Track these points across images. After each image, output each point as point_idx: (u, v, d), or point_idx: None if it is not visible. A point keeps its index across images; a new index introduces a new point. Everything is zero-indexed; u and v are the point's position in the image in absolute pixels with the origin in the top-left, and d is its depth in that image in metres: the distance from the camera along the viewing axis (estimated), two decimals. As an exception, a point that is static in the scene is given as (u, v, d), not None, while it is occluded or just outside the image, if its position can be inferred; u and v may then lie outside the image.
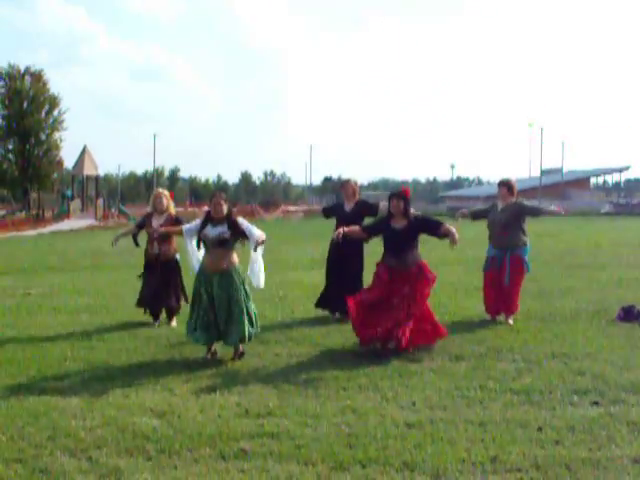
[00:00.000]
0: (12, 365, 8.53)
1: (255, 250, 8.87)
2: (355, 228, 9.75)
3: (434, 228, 9.22)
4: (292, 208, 11.54)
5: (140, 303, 11.34)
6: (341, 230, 9.59)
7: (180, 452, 5.75)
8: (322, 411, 6.68)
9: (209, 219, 8.79)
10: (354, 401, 6.99)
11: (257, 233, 8.75)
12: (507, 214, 10.81)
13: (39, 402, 7.05)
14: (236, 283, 8.75)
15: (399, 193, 9.24)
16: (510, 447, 5.75)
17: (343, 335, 10.02)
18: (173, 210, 11.28)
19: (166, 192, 11.39)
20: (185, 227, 9.34)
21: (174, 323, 11.05)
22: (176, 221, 10.83)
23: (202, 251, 9.13)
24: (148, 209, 11.57)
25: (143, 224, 11.30)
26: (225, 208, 8.75)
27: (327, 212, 12.24)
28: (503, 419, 6.41)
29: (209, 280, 8.70)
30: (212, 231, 8.69)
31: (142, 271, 11.41)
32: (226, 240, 8.68)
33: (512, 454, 5.61)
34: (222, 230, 8.67)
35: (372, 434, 6.07)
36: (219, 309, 8.67)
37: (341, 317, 11.23)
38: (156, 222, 11.10)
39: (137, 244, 11.49)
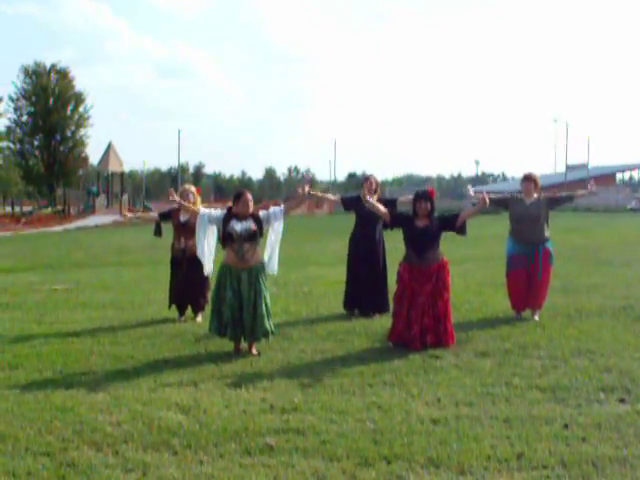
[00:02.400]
0: (39, 360, 8.59)
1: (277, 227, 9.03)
2: (383, 208, 9.62)
3: (452, 220, 9.25)
4: (319, 193, 11.65)
5: (171, 301, 11.40)
6: (370, 199, 9.56)
7: (206, 447, 5.76)
8: (347, 407, 6.68)
9: (233, 215, 8.81)
10: (379, 397, 6.99)
11: (276, 208, 9.03)
12: (540, 208, 10.69)
13: (66, 396, 7.10)
14: (262, 278, 8.80)
15: (426, 194, 9.22)
16: (536, 444, 5.72)
17: (368, 331, 10.02)
18: (200, 206, 11.32)
19: (193, 188, 11.42)
20: (202, 210, 9.32)
21: (199, 318, 11.08)
22: None
23: (211, 249, 9.32)
24: (175, 205, 11.60)
25: (168, 215, 11.31)
26: (250, 206, 8.81)
27: (347, 203, 11.91)
28: (529, 416, 6.38)
29: (236, 276, 8.72)
30: (239, 225, 8.71)
31: (169, 267, 11.46)
32: (255, 233, 8.71)
33: (538, 451, 5.58)
34: (249, 224, 8.70)
35: (397, 430, 6.06)
36: (247, 306, 8.70)
37: (367, 314, 11.19)
38: (183, 217, 11.17)
39: (158, 233, 11.48)
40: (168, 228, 11.51)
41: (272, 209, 9.03)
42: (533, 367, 8.00)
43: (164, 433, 6.06)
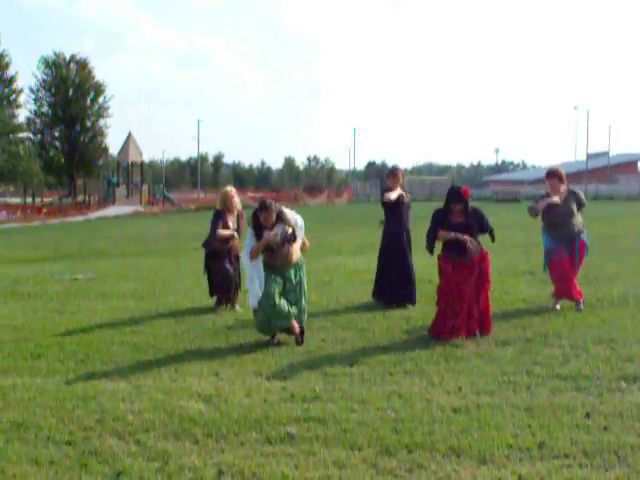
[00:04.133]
0: (60, 349, 8.64)
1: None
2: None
3: (484, 229, 9.16)
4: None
5: (216, 291, 11.20)
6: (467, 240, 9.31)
7: (227, 436, 5.78)
8: (368, 396, 6.68)
9: (261, 226, 8.76)
10: (400, 386, 6.98)
11: (300, 222, 9.09)
12: (570, 203, 10.53)
13: (88, 386, 7.14)
14: (304, 272, 8.96)
15: (461, 196, 9.04)
16: (557, 433, 5.70)
17: (388, 320, 10.01)
18: (240, 206, 11.29)
19: (233, 190, 11.33)
20: (244, 253, 9.09)
21: (238, 307, 11.08)
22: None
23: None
24: (217, 206, 11.36)
25: (218, 224, 11.05)
26: (274, 215, 8.79)
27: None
28: (550, 405, 6.36)
29: (284, 274, 8.76)
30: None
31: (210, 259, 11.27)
32: (292, 236, 8.76)
33: (559, 440, 5.56)
34: (283, 228, 8.71)
35: (418, 419, 6.06)
36: (295, 297, 8.79)
37: (391, 305, 11.07)
38: (231, 223, 11.11)
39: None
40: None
41: (301, 224, 9.10)
42: (554, 356, 7.97)
43: (185, 422, 6.09)
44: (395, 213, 11.16)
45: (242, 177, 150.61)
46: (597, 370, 7.37)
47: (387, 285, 11.13)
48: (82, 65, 73.64)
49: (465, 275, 8.91)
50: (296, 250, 8.89)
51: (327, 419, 6.10)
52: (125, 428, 5.98)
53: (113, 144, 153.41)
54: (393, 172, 11.43)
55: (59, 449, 5.56)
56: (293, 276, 8.82)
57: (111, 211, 53.95)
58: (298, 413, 6.25)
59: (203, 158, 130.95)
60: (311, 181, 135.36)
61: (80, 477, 5.05)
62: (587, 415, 6.08)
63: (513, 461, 5.21)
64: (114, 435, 5.84)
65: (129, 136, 68.46)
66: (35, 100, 72.66)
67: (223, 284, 11.08)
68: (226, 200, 11.13)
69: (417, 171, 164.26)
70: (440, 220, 9.14)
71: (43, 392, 6.96)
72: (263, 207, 8.80)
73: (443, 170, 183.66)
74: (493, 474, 4.99)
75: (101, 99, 74.57)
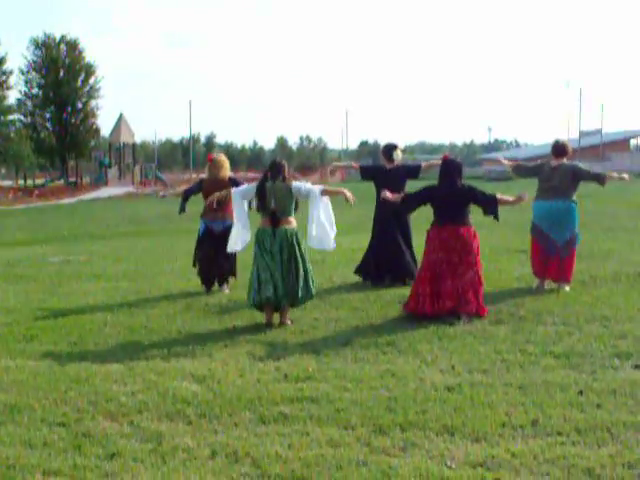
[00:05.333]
0: (53, 331, 8.62)
1: None
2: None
3: None
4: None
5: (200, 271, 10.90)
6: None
7: (220, 416, 5.78)
8: (361, 375, 6.69)
9: None
10: (393, 365, 6.99)
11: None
12: None
13: (80, 367, 7.12)
14: None
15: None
16: (551, 411, 5.71)
17: (382, 299, 10.00)
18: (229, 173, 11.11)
19: (223, 156, 11.15)
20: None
21: (227, 290, 10.84)
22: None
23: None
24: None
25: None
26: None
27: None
28: (543, 382, 6.37)
29: None
30: None
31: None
32: None
33: (553, 418, 5.57)
34: None
35: (412, 398, 6.06)
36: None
37: (391, 283, 11.01)
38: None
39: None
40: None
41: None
42: (547, 334, 7.98)
43: (179, 403, 6.08)
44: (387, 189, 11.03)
45: (235, 157, 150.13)
46: (590, 348, 7.39)
47: (384, 261, 11.06)
48: (72, 46, 73.14)
49: (451, 249, 8.97)
50: None
51: (320, 399, 6.10)
52: (118, 409, 5.97)
53: (105, 125, 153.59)
54: (395, 148, 11.33)
55: (52, 431, 5.54)
56: None
57: (103, 192, 53.90)
58: (292, 393, 6.25)
59: (195, 139, 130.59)
60: (304, 160, 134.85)
61: (74, 459, 5.03)
62: (580, 392, 6.09)
63: (506, 439, 5.22)
64: (107, 417, 5.83)
65: (120, 117, 68.30)
66: (25, 82, 72.25)
67: (202, 265, 10.82)
68: (214, 166, 10.88)
69: (410, 150, 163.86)
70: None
71: (36, 374, 6.94)
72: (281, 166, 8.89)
73: (436, 149, 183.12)
74: (486, 452, 4.99)
75: (92, 80, 74.13)
